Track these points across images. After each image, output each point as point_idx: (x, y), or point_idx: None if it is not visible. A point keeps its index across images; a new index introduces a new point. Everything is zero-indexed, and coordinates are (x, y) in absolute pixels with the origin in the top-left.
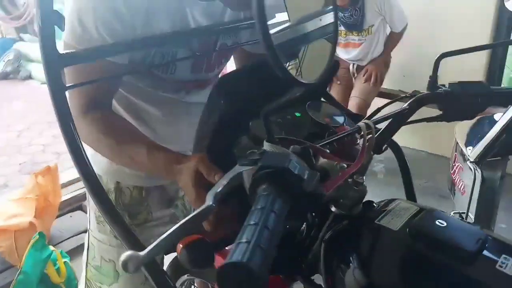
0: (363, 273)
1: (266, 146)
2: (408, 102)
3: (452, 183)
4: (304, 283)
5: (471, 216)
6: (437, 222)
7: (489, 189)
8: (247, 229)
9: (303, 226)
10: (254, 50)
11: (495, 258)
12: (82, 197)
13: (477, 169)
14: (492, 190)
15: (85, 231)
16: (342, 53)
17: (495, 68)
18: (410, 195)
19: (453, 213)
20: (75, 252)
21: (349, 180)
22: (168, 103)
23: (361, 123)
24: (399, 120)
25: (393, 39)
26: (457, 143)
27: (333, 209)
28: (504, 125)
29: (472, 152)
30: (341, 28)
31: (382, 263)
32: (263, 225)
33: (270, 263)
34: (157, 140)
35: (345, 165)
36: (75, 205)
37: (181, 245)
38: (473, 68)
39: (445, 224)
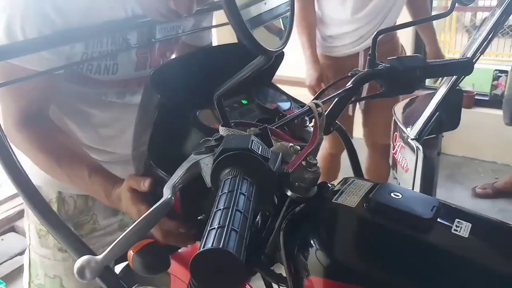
0: (326, 254)
1: (222, 130)
2: (351, 81)
3: (394, 162)
4: (264, 274)
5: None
6: (392, 195)
7: (428, 166)
8: (217, 214)
9: (258, 217)
10: (195, 42)
11: (450, 223)
12: (14, 217)
13: (418, 146)
14: (429, 167)
15: (20, 253)
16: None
17: (420, 44)
18: (357, 168)
19: None
20: (11, 276)
21: (303, 162)
22: (113, 106)
23: (310, 103)
24: (344, 99)
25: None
26: (397, 123)
27: (288, 193)
28: (437, 103)
29: (412, 131)
30: None
31: (343, 240)
32: (234, 208)
33: (245, 247)
34: (104, 144)
35: (298, 147)
36: (7, 227)
37: (132, 252)
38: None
39: (400, 195)
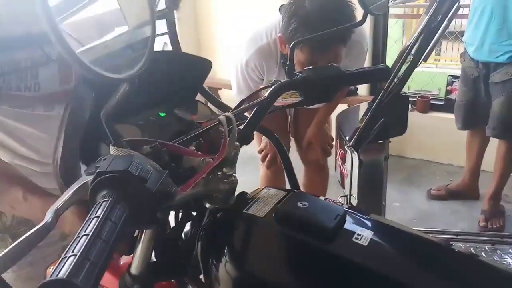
0: (235, 266)
1: (112, 150)
2: (269, 91)
3: (336, 168)
4: (192, 285)
5: (354, 197)
6: (299, 204)
7: (372, 170)
8: (75, 241)
9: (187, 227)
10: None
11: (351, 232)
12: None
13: (354, 152)
14: (375, 171)
15: None
16: None
17: (378, 37)
18: (292, 180)
19: (340, 196)
20: None
21: (219, 173)
22: (43, 120)
23: (221, 116)
24: (262, 109)
25: None
26: (338, 130)
27: (207, 205)
28: (371, 112)
29: (349, 138)
30: None
31: (252, 252)
32: (96, 236)
33: (101, 276)
34: (41, 158)
35: (212, 160)
36: None
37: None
38: None
39: (307, 205)
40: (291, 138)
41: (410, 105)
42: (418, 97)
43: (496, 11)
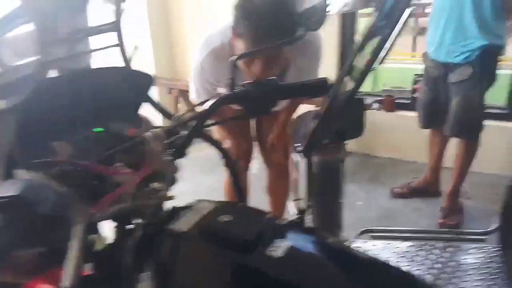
0: (159, 281)
1: (19, 173)
2: (210, 104)
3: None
4: None
5: (306, 201)
6: (222, 218)
7: (328, 172)
8: None
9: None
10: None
11: (269, 244)
12: None
13: (303, 157)
14: (331, 173)
15: None
16: None
17: (347, 35)
18: (239, 196)
19: (293, 200)
20: None
21: (147, 189)
22: None
23: (147, 133)
24: (200, 123)
25: None
26: (291, 134)
27: (137, 221)
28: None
29: (300, 143)
30: None
31: (175, 266)
32: None
33: None
34: None
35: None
36: None
37: None
38: (328, 36)
39: (230, 218)
40: (254, 142)
41: (378, 104)
42: (385, 96)
43: (453, 12)
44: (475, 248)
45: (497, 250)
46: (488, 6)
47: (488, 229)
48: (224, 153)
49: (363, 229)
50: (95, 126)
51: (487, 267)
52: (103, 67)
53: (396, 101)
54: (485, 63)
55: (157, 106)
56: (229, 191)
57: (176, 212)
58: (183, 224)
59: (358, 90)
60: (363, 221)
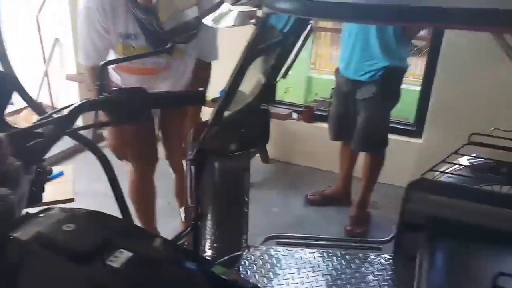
0: None
1: None
2: (70, 109)
3: None
4: None
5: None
6: (64, 227)
7: (232, 180)
8: None
9: None
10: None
11: (110, 253)
12: None
13: (190, 165)
14: (235, 181)
15: None
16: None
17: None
18: (120, 205)
19: (183, 208)
20: None
21: None
22: None
23: None
24: (61, 127)
25: None
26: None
27: None
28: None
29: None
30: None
31: (17, 278)
32: None
33: None
34: None
35: None
36: None
37: None
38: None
39: (72, 227)
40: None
41: (297, 114)
42: (304, 107)
43: (359, 34)
44: (371, 256)
45: (389, 258)
46: (390, 32)
47: (385, 239)
48: (102, 158)
49: (268, 236)
50: None
51: (379, 274)
52: None
53: (317, 112)
54: (388, 83)
55: (32, 101)
56: (133, 193)
57: (27, 219)
58: (26, 233)
59: (264, 101)
60: (277, 227)
